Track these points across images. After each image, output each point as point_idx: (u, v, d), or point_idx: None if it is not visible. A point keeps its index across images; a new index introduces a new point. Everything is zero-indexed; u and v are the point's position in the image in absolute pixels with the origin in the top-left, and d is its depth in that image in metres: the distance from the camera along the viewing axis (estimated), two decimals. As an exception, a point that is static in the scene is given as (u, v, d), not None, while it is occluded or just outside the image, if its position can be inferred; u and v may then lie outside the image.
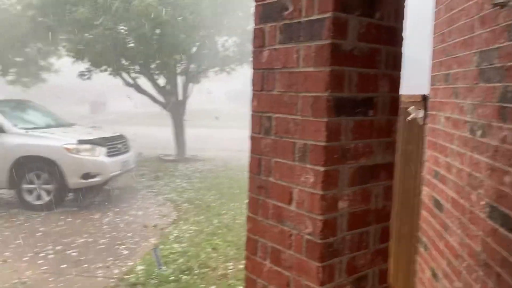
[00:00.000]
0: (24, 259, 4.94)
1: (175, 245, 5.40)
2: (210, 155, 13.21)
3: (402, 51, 1.67)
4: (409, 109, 3.28)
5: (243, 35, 11.83)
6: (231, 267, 4.74)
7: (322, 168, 1.49)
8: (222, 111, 30.14)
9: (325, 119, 1.48)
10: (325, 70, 1.47)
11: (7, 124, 6.98)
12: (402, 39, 1.65)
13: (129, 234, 5.92)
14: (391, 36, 1.61)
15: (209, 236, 5.76)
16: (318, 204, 1.50)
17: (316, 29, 1.50)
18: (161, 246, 5.32)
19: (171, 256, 5.02)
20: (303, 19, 1.55)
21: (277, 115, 1.66)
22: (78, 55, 10.29)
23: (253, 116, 1.77)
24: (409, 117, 3.29)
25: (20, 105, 8.14)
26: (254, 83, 1.77)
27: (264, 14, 1.71)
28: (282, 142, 1.64)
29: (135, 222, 6.49)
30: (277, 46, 1.65)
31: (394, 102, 1.67)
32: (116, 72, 11.11)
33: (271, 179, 1.69)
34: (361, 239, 1.63)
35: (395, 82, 1.66)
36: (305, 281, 1.56)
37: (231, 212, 6.86)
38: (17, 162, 6.85)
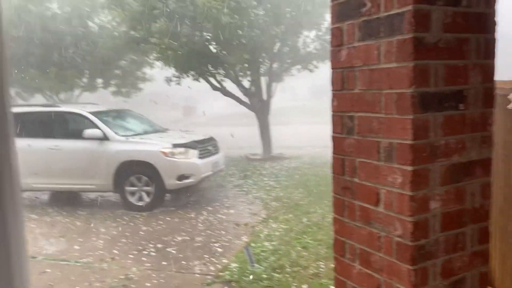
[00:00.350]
0: (129, 256, 5.39)
1: (266, 243, 5.51)
2: (296, 152, 13.24)
3: (496, 37, 1.54)
4: (509, 96, 3.00)
5: (323, 30, 11.71)
6: (322, 266, 4.72)
7: (410, 168, 1.44)
8: (306, 107, 30.06)
9: (411, 116, 1.42)
10: (408, 65, 1.42)
11: (110, 132, 7.65)
12: (494, 24, 1.53)
13: (222, 232, 6.17)
14: (481, 23, 1.49)
15: (298, 234, 5.79)
16: (408, 205, 1.45)
17: (397, 24, 1.45)
18: (253, 244, 5.46)
19: (262, 254, 5.13)
20: (382, 14, 1.50)
21: (359, 114, 1.63)
22: (165, 62, 10.94)
23: (334, 116, 1.76)
24: (510, 105, 3.01)
25: (120, 114, 8.86)
26: (333, 83, 1.76)
27: (341, 13, 1.69)
28: (366, 142, 1.61)
29: (227, 221, 6.74)
30: (356, 44, 1.62)
31: (488, 93, 1.55)
32: (202, 76, 11.61)
33: (356, 179, 1.66)
34: (456, 241, 1.54)
35: (488, 72, 1.54)
36: (397, 284, 1.51)
37: (319, 211, 6.82)
38: (120, 167, 7.48)
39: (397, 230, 1.49)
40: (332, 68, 1.77)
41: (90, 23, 13.95)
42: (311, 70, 12.57)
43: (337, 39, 1.72)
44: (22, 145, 7.94)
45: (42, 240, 6.14)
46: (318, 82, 31.61)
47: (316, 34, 12.07)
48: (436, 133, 1.47)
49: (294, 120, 23.15)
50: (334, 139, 1.79)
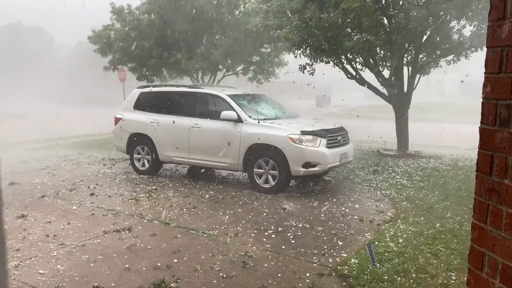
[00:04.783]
0: (251, 235, 5.55)
1: (391, 244, 5.16)
2: (436, 152, 12.19)
3: None
4: None
5: (484, 20, 10.32)
6: (453, 277, 4.24)
7: None
8: (454, 104, 27.51)
9: None
10: None
11: (243, 115, 7.95)
12: None
13: (344, 226, 5.97)
14: None
15: (429, 239, 5.29)
16: None
17: None
18: (376, 243, 5.17)
19: (386, 254, 4.82)
20: None
21: (519, 102, 1.34)
22: (298, 48, 10.94)
23: (485, 104, 1.48)
24: None
25: (255, 99, 9.14)
26: (488, 64, 1.47)
27: (507, -22, 1.39)
28: (525, 137, 1.31)
29: (351, 215, 6.50)
30: (523, 16, 1.32)
31: None
32: (338, 65, 11.31)
33: (506, 181, 1.37)
34: None
35: None
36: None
37: (456, 218, 6.15)
38: (250, 149, 7.75)
39: (558, 249, 1.19)
40: (489, 47, 1.49)
41: (236, 11, 14.68)
42: (466, 57, 11.15)
43: (499, 11, 1.43)
44: (168, 121, 8.75)
45: (177, 208, 6.70)
46: (470, 78, 28.68)
47: (476, 23, 10.59)
48: None
49: (438, 118, 21.34)
50: (483, 131, 1.51)
